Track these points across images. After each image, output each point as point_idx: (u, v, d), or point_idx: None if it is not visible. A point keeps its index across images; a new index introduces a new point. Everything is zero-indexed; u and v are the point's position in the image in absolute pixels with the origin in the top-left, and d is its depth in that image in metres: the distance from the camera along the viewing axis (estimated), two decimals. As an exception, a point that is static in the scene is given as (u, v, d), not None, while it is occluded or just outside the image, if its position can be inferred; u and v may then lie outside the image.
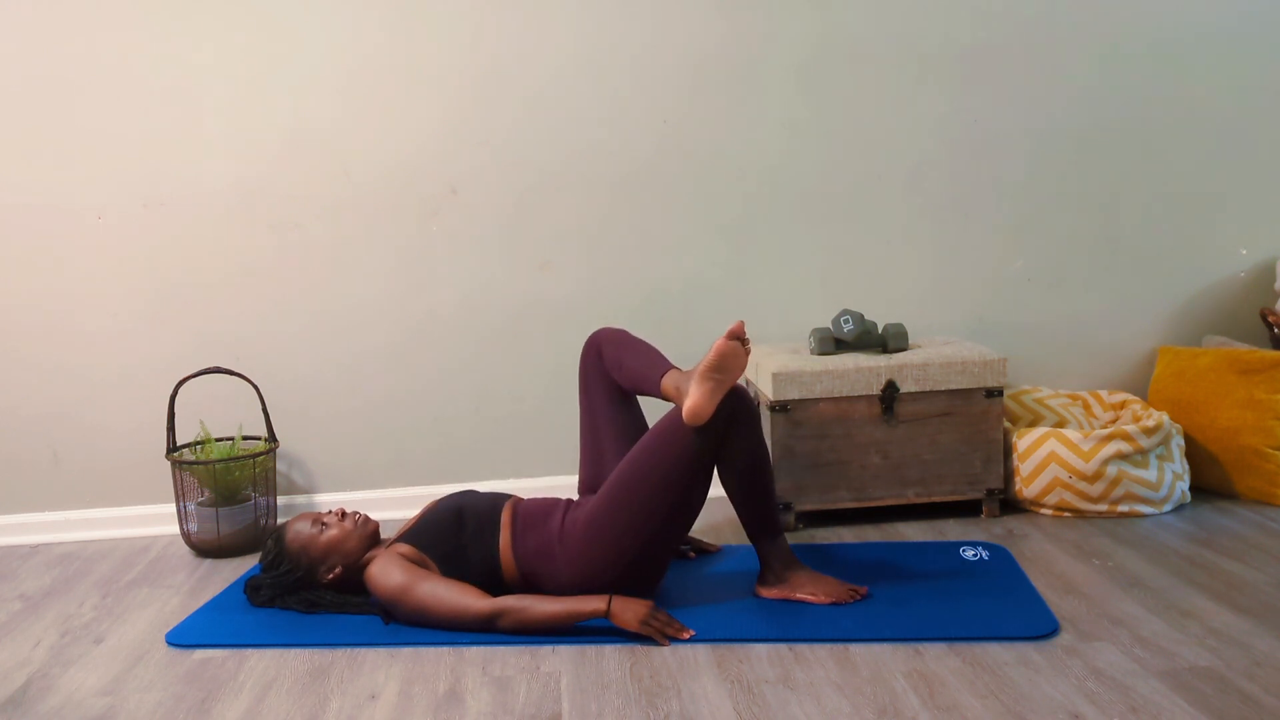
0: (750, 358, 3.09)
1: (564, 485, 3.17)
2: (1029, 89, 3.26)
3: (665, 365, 2.44)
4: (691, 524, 2.40)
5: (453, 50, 3.13)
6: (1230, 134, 3.32)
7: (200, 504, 2.99)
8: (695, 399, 2.23)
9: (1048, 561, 2.60)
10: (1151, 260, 3.36)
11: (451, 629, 2.29)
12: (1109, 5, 3.24)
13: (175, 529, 3.16)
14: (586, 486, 2.60)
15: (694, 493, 2.34)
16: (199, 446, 3.10)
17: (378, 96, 3.13)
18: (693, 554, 2.74)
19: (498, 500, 2.48)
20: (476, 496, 2.51)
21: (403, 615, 2.34)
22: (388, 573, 2.33)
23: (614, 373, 2.55)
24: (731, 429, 2.31)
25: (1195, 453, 3.06)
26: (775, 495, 2.43)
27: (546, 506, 2.44)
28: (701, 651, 2.19)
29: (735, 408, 2.31)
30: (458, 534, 2.40)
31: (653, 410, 2.69)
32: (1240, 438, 2.97)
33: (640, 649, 2.22)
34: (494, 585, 2.39)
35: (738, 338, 2.27)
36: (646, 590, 2.39)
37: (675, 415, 2.31)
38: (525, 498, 2.52)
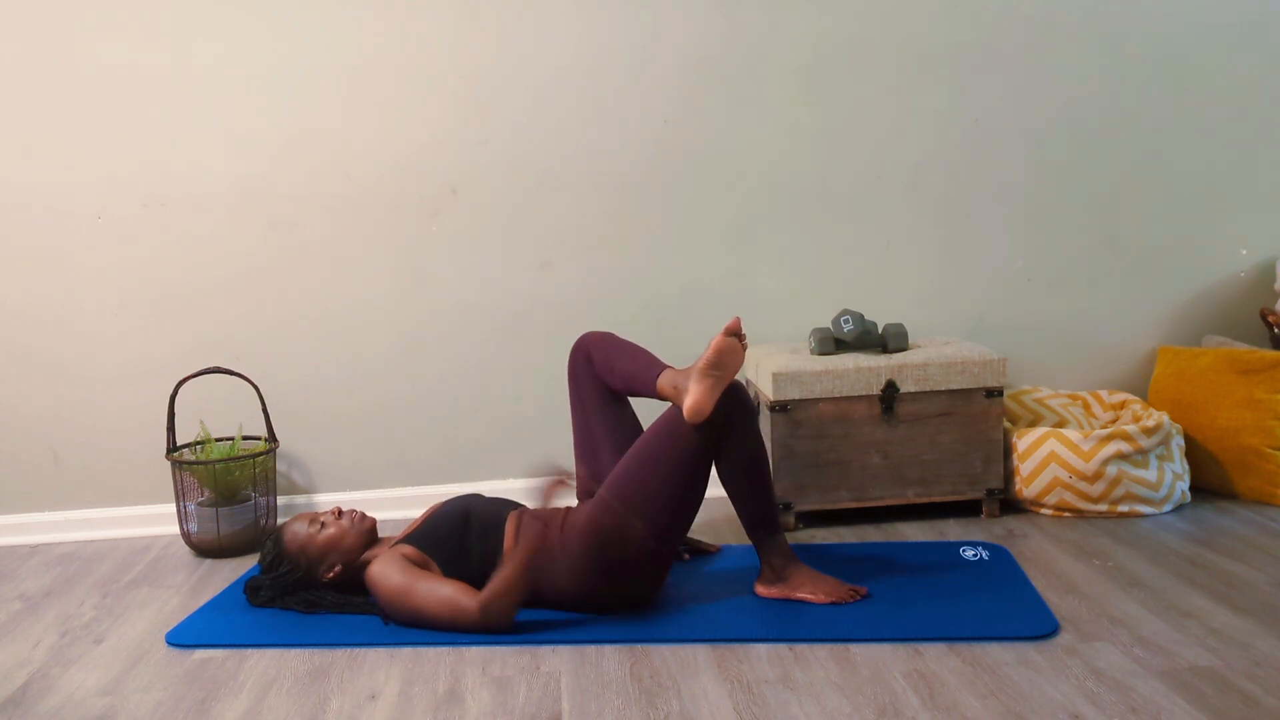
0: (750, 357, 3.11)
1: (564, 485, 3.17)
2: (1029, 89, 3.26)
3: (659, 365, 2.44)
4: (691, 522, 2.39)
5: (453, 50, 3.13)
6: (1230, 134, 3.32)
7: (200, 504, 2.99)
8: (695, 396, 2.23)
9: (1048, 561, 2.60)
10: (1151, 260, 3.36)
11: (450, 630, 2.29)
12: (1109, 5, 3.24)
13: (175, 529, 3.16)
14: (584, 490, 2.59)
15: (694, 490, 2.34)
16: (199, 446, 3.10)
17: (378, 96, 3.13)
18: (687, 555, 2.74)
19: (504, 507, 2.47)
20: (483, 501, 2.51)
21: (402, 617, 2.33)
22: (387, 574, 2.33)
23: (605, 376, 2.55)
24: (730, 425, 2.31)
25: (1195, 453, 3.06)
26: (773, 492, 2.43)
27: (547, 514, 2.44)
28: (701, 651, 2.19)
29: (734, 404, 2.31)
30: (462, 536, 2.40)
31: (643, 410, 2.67)
32: (1240, 438, 2.97)
33: (640, 649, 2.22)
34: None
35: (735, 334, 2.28)
36: (651, 591, 2.39)
37: (674, 414, 2.31)
38: (531, 507, 2.51)
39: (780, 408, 2.88)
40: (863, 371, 2.88)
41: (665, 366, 2.42)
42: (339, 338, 3.21)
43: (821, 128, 3.23)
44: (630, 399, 2.61)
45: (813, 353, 3.01)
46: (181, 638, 2.39)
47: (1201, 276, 3.37)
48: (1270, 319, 3.18)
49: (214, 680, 2.19)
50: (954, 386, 2.90)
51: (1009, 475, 2.98)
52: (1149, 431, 2.87)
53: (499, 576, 2.25)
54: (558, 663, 2.18)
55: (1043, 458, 2.90)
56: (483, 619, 2.25)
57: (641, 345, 2.59)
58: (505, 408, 3.26)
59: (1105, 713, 1.88)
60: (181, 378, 3.08)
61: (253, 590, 2.51)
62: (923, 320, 3.30)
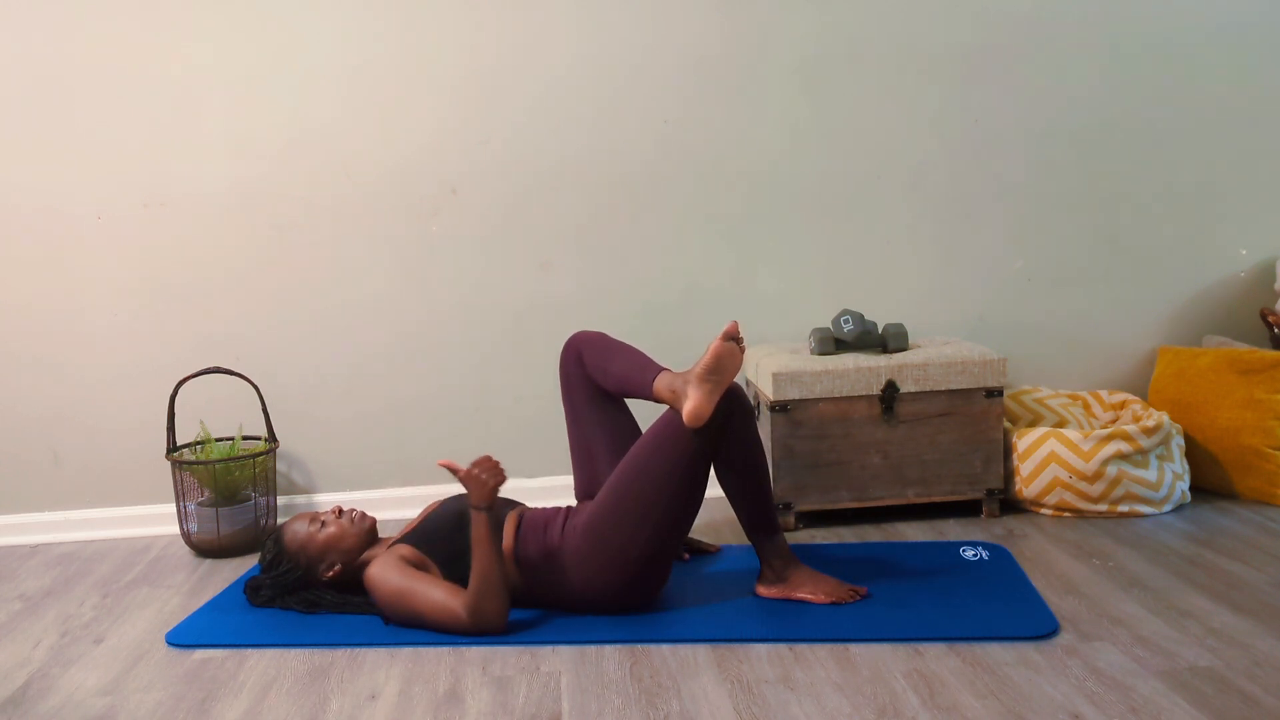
0: (750, 357, 3.11)
1: (564, 485, 3.17)
2: (1029, 89, 3.26)
3: (655, 367, 2.42)
4: (691, 525, 2.39)
5: (453, 50, 3.13)
6: (1230, 134, 3.32)
7: (200, 504, 2.99)
8: (695, 401, 2.23)
9: (1048, 561, 2.60)
10: (1151, 260, 3.36)
11: (446, 633, 2.29)
12: (1109, 5, 3.24)
13: (175, 529, 3.16)
14: (582, 492, 2.58)
15: (694, 494, 2.33)
16: (199, 446, 3.10)
17: (378, 96, 3.13)
18: (687, 556, 2.73)
19: (502, 507, 2.46)
20: None
21: (399, 619, 2.33)
22: (384, 576, 2.33)
23: (598, 377, 2.53)
24: (729, 428, 2.31)
25: (1195, 453, 3.06)
26: (772, 493, 2.43)
27: (548, 515, 2.43)
28: (701, 651, 2.19)
29: (732, 406, 2.31)
30: (461, 537, 2.39)
31: (638, 410, 2.67)
32: (1240, 438, 2.97)
33: (640, 649, 2.22)
34: None
35: (733, 338, 2.27)
36: (651, 593, 2.38)
37: (673, 418, 2.30)
38: (531, 507, 2.51)
39: (780, 408, 2.88)
40: (863, 371, 2.88)
41: (660, 369, 2.41)
42: (339, 338, 3.21)
43: (821, 128, 3.23)
44: (626, 399, 2.61)
45: (813, 353, 3.01)
46: (181, 638, 2.39)
47: (1201, 276, 3.37)
48: (1270, 319, 3.18)
49: (214, 680, 2.19)
50: (954, 386, 2.90)
51: (1009, 475, 2.98)
52: (1149, 431, 2.87)
53: (473, 576, 2.25)
54: (558, 663, 2.18)
55: (1043, 458, 2.90)
56: (472, 622, 2.25)
57: (641, 346, 2.57)
58: (505, 408, 3.26)
59: (1105, 713, 1.88)
60: (181, 378, 3.08)
61: (253, 590, 2.51)
62: (923, 320, 3.30)
